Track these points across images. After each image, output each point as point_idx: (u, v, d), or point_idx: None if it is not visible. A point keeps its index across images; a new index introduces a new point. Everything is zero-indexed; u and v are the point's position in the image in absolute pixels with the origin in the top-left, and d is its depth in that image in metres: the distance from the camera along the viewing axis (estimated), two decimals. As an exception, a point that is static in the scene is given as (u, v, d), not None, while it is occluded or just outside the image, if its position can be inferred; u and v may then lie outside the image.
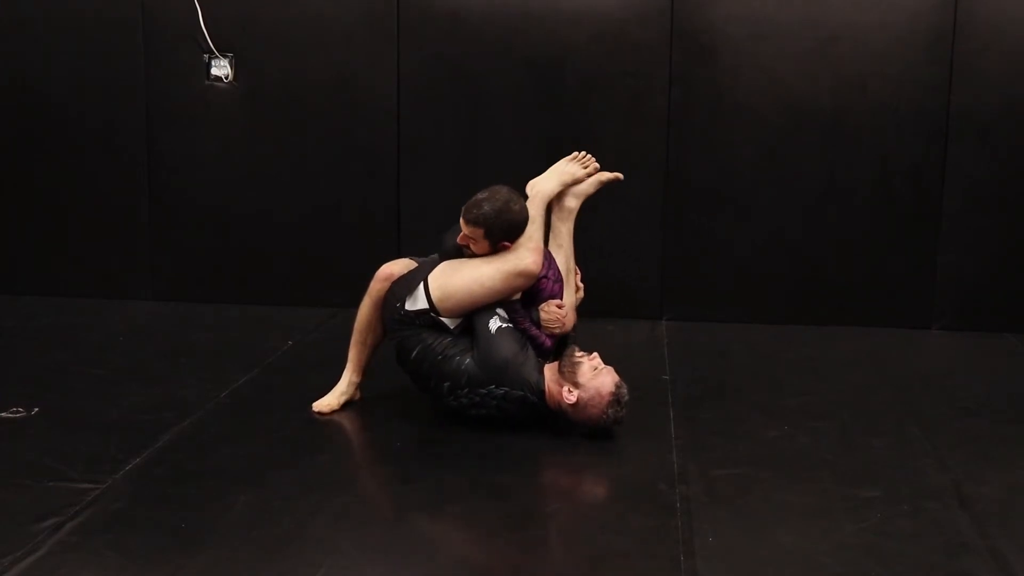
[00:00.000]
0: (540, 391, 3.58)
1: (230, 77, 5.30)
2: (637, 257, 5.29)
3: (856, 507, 3.08)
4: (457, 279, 3.64)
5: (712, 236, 5.24)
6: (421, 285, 3.64)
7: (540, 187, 3.83)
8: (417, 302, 3.63)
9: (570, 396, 3.55)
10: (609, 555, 2.82)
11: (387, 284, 3.75)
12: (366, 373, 3.89)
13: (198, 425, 3.68)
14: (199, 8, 5.21)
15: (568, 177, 3.88)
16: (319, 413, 3.79)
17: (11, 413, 3.72)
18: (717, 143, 5.18)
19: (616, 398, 3.54)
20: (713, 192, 5.21)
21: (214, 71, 5.30)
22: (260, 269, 5.47)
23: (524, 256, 3.64)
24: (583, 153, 3.93)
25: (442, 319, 3.63)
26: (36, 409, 3.76)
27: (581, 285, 3.97)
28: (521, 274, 3.64)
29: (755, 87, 5.10)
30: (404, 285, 3.69)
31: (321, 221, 5.40)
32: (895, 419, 3.87)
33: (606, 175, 3.96)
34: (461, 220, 3.63)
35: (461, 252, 3.72)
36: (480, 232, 3.60)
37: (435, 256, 3.80)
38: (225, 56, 5.28)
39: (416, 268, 3.77)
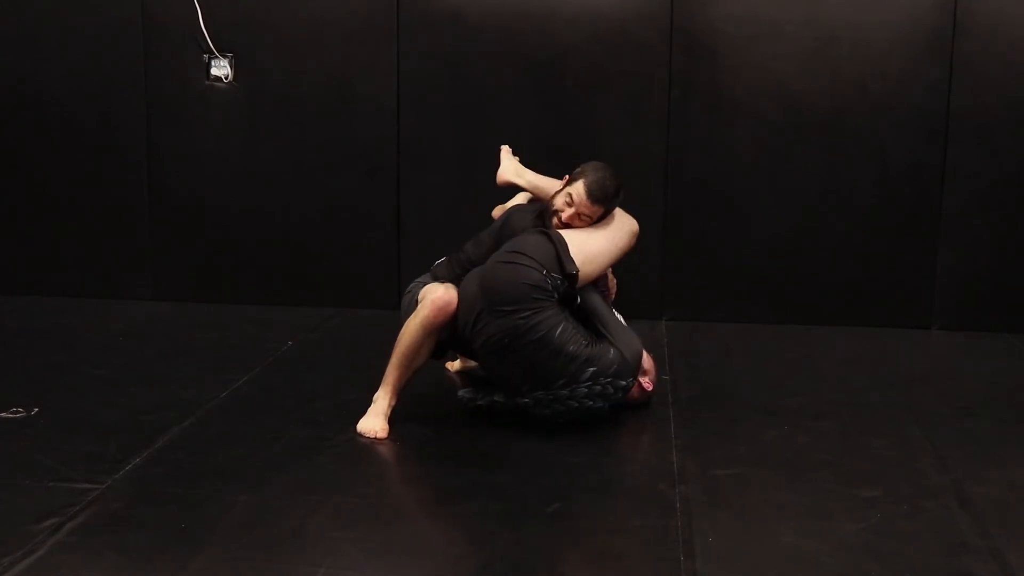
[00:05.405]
0: None
1: (230, 77, 5.30)
2: (637, 257, 5.27)
3: (856, 507, 3.08)
4: (592, 243, 3.68)
5: (712, 236, 5.23)
6: (569, 252, 3.56)
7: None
8: (571, 266, 3.56)
9: (649, 384, 3.77)
10: (609, 555, 2.82)
11: (444, 314, 3.55)
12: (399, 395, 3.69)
13: (198, 425, 3.68)
14: (199, 8, 5.21)
15: None
16: (361, 434, 3.59)
17: (11, 413, 3.72)
18: (717, 143, 5.18)
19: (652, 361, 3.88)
20: (713, 192, 5.21)
21: (214, 71, 5.30)
22: (260, 269, 5.47)
23: (631, 219, 3.86)
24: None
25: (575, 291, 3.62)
26: (36, 409, 3.76)
27: None
28: (636, 233, 3.85)
29: (755, 87, 5.10)
30: (539, 255, 3.53)
31: (321, 221, 5.40)
32: (895, 419, 3.87)
33: None
34: (586, 200, 3.69)
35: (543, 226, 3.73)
36: (602, 210, 3.76)
37: (495, 246, 3.71)
38: (225, 56, 5.28)
39: (524, 239, 3.61)
